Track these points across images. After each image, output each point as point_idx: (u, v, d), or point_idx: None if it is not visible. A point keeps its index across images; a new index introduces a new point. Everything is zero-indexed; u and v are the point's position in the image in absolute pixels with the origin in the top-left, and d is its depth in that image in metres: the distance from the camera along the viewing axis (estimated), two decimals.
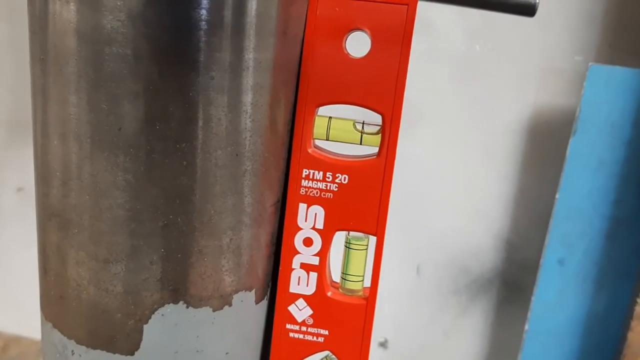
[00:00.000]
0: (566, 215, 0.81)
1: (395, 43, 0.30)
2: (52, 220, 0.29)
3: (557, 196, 0.80)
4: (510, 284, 0.95)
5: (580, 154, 0.78)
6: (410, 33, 0.30)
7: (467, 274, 0.96)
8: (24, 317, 1.08)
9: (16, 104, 0.99)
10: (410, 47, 0.30)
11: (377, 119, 0.31)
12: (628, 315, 0.82)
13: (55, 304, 0.31)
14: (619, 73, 0.74)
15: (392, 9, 0.30)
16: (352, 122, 0.32)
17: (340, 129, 0.32)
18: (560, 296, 0.84)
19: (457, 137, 0.90)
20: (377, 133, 0.32)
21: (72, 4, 0.26)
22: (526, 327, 0.85)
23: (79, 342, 0.30)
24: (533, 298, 0.84)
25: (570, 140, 0.78)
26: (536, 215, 0.91)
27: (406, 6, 0.30)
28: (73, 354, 0.30)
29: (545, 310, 0.85)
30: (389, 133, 0.31)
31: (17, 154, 1.01)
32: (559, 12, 0.82)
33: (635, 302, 0.81)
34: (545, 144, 0.88)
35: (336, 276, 0.35)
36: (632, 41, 0.82)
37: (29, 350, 1.06)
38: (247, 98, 0.28)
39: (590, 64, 0.74)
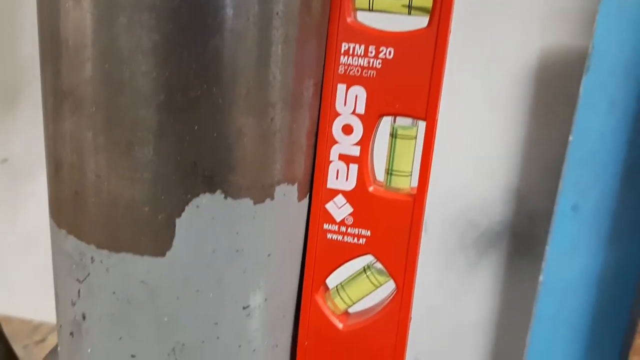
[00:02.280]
0: (579, 160, 0.78)
1: None
2: (63, 102, 0.25)
3: (570, 139, 0.77)
4: (520, 236, 0.92)
5: (593, 93, 0.75)
6: None
7: (475, 228, 0.92)
8: (14, 297, 1.03)
9: None
10: None
11: None
12: None
13: (70, 204, 0.26)
14: (633, 5, 0.71)
15: None
16: None
17: None
18: (575, 244, 0.81)
19: (460, 85, 0.86)
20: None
21: None
22: (541, 278, 0.82)
23: (99, 247, 0.26)
24: (547, 247, 0.81)
25: (583, 79, 0.74)
26: (546, 163, 0.88)
27: None
28: (93, 261, 0.26)
29: (559, 260, 0.82)
30: None
31: (0, 123, 0.96)
32: None
33: None
34: (553, 88, 0.85)
35: (380, 175, 0.31)
36: None
37: (21, 331, 1.01)
38: None
39: None
